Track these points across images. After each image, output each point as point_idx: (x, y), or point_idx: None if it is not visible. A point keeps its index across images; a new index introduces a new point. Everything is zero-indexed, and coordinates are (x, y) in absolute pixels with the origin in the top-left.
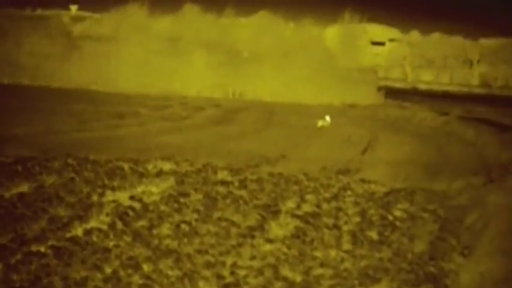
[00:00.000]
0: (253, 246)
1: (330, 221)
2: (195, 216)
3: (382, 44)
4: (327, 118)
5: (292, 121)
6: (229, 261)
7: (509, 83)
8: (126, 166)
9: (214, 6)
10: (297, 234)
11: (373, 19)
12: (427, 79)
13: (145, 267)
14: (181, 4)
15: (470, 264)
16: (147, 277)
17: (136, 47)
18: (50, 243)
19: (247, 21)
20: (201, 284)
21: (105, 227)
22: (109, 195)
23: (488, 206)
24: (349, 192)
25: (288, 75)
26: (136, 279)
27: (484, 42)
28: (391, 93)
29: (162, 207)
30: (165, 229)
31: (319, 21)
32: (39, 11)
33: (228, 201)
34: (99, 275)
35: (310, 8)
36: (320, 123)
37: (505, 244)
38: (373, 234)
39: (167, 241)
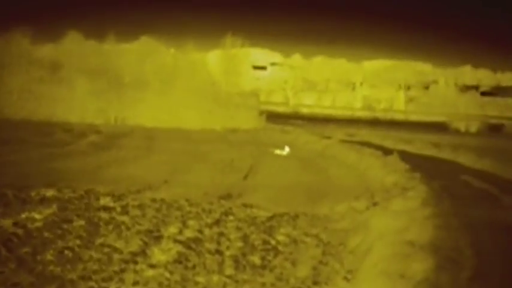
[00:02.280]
0: (135, 271)
1: (212, 246)
2: (78, 242)
3: (263, 68)
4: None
5: (174, 147)
6: (112, 287)
7: (393, 105)
8: (9, 193)
9: (96, 33)
10: (179, 260)
11: (255, 44)
12: (309, 102)
13: None
14: (63, 32)
15: None
16: None
17: (20, 74)
18: None
19: (128, 47)
20: None
21: None
22: None
23: (372, 230)
24: (231, 217)
25: (169, 100)
26: None
27: (367, 64)
28: (273, 117)
29: (46, 234)
30: (49, 255)
31: (201, 46)
32: None
33: (110, 227)
34: None
35: (192, 34)
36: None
37: (388, 268)
38: (256, 259)
39: (51, 267)
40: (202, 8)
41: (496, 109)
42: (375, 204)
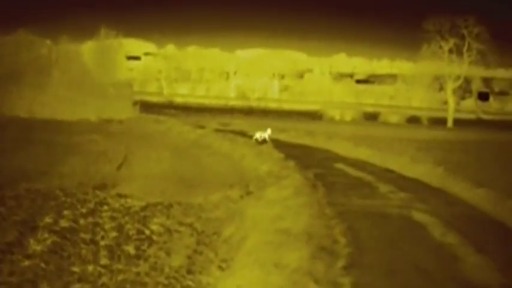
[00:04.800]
0: (12, 262)
1: (87, 236)
2: None
3: (137, 58)
4: (268, 131)
5: (50, 138)
6: None
7: (267, 94)
8: None
9: None
10: (55, 250)
11: (129, 34)
12: (183, 92)
13: None
14: None
15: (228, 277)
16: None
17: None
18: None
19: (4, 40)
20: None
21: None
22: None
23: (246, 219)
24: (105, 207)
25: (45, 92)
26: None
27: (241, 53)
28: (147, 107)
29: None
30: None
31: (75, 37)
32: None
33: None
34: None
35: (66, 25)
36: (258, 135)
37: (262, 257)
38: (130, 249)
39: None
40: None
41: (371, 97)
42: (249, 193)
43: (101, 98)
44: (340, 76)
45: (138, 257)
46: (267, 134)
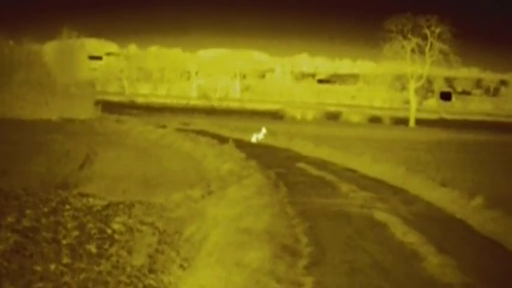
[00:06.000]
0: None
1: (49, 235)
2: None
3: (99, 58)
4: (263, 130)
5: (11, 137)
6: None
7: (228, 94)
8: None
9: None
10: (17, 249)
11: (90, 34)
12: (144, 92)
13: None
14: None
15: (189, 276)
16: None
17: None
18: None
19: None
20: None
21: None
22: None
23: (207, 218)
24: (67, 207)
25: (6, 92)
26: None
27: (203, 54)
28: (109, 106)
29: None
30: None
31: (38, 37)
32: None
33: None
34: None
35: (29, 25)
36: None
37: (224, 256)
38: (92, 248)
39: None
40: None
41: (332, 97)
42: (210, 192)
43: (63, 98)
44: (302, 76)
45: (100, 255)
46: (262, 133)
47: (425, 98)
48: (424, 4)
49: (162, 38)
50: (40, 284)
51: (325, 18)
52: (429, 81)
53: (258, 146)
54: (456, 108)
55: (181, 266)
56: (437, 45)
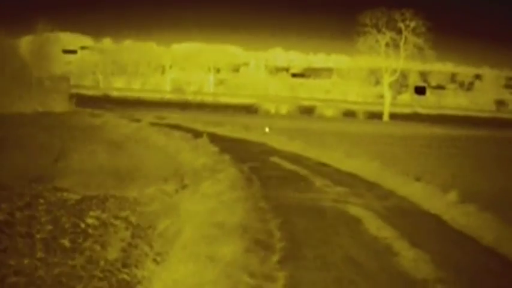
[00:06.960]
0: None
1: (23, 229)
2: None
3: (74, 52)
4: (266, 129)
5: None
6: None
7: (202, 88)
8: None
9: None
10: None
11: (65, 28)
12: (119, 86)
13: None
14: None
15: (163, 271)
16: None
17: None
18: None
19: None
20: None
21: None
22: None
23: (181, 213)
24: (41, 201)
25: None
26: None
27: (176, 47)
28: (84, 100)
29: None
30: None
31: (13, 31)
32: None
33: None
34: None
35: (3, 19)
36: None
37: (197, 250)
38: (66, 242)
39: None
40: None
41: (306, 91)
42: (184, 187)
43: (37, 92)
44: (276, 70)
45: (73, 250)
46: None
47: (399, 92)
48: None
49: (136, 31)
50: (14, 279)
51: (299, 12)
52: (403, 76)
53: (232, 140)
54: (431, 103)
55: (154, 260)
56: (412, 39)
